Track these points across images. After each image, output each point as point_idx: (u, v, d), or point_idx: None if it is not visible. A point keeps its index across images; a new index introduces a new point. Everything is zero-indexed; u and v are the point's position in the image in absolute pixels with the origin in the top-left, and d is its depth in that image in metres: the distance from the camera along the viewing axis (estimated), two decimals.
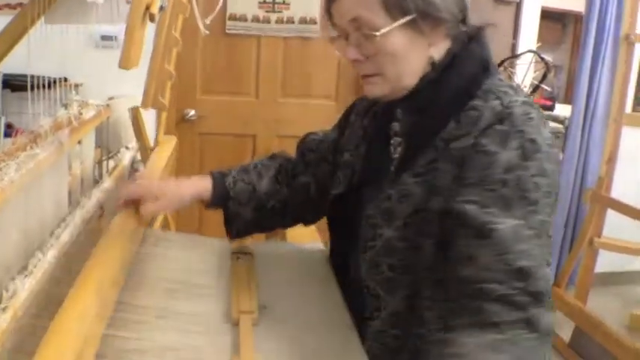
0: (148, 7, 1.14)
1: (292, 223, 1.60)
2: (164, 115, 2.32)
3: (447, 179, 1.10)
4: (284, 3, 3.71)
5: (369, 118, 1.40)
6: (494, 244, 1.01)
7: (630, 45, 3.27)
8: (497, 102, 1.12)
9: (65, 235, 1.20)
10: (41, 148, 1.15)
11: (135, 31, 1.13)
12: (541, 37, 4.53)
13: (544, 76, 4.54)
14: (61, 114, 1.43)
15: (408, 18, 1.13)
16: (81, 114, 1.53)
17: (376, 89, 1.21)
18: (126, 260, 1.16)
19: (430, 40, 1.18)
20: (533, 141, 1.06)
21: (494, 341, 0.97)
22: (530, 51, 4.46)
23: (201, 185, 1.44)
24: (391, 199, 1.18)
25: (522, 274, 1.00)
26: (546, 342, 1.02)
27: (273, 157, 1.58)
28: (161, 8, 1.18)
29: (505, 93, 1.13)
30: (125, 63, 1.13)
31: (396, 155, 1.25)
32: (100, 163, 1.85)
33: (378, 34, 1.13)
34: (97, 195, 1.47)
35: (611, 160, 3.40)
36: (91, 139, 1.61)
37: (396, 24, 1.13)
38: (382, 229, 1.18)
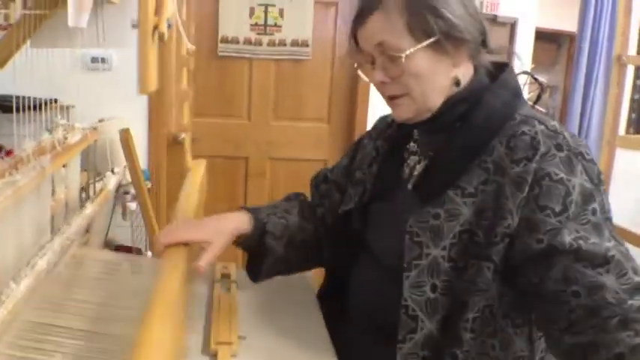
0: (155, 27, 1.13)
1: (314, 263, 1.56)
2: (189, 135, 2.30)
3: (511, 204, 1.12)
4: (276, 25, 3.72)
5: (382, 139, 1.44)
6: (614, 268, 1.06)
7: (622, 66, 3.26)
8: (542, 127, 1.16)
9: (42, 263, 1.17)
10: (21, 174, 1.13)
11: (148, 54, 1.11)
12: (536, 58, 4.54)
13: (538, 97, 4.54)
14: (45, 138, 1.41)
15: (431, 40, 1.17)
16: (66, 138, 1.51)
17: (403, 110, 1.25)
18: (187, 293, 1.14)
19: (454, 61, 1.22)
20: (592, 161, 1.14)
21: None
22: (524, 72, 4.46)
23: (239, 219, 1.40)
24: (439, 217, 1.19)
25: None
26: None
27: (289, 197, 1.58)
28: (169, 26, 1.17)
29: (544, 119, 1.19)
30: (144, 88, 1.12)
31: (415, 173, 1.29)
32: (87, 187, 1.83)
33: (403, 55, 1.17)
34: (77, 222, 1.44)
35: (605, 182, 3.39)
36: (76, 163, 1.59)
37: (420, 46, 1.17)
38: (429, 248, 1.18)
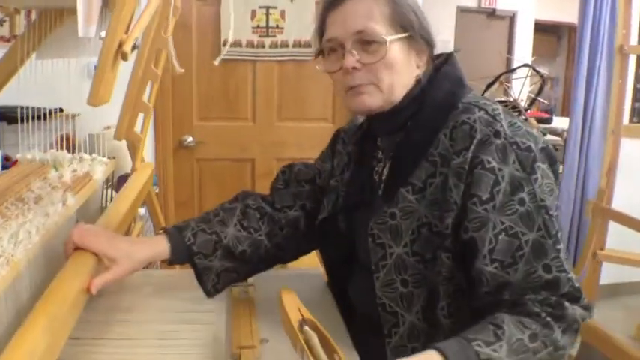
0: (120, 46, 1.14)
1: (268, 265, 1.51)
2: (141, 146, 2.30)
3: (455, 195, 1.15)
4: (277, 27, 3.73)
5: (352, 144, 1.45)
6: (523, 266, 1.10)
7: (624, 56, 3.26)
8: (482, 113, 1.19)
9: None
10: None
11: (105, 70, 1.12)
12: (536, 50, 4.54)
13: (540, 89, 4.53)
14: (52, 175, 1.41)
15: (408, 34, 1.22)
16: (75, 171, 1.51)
17: (369, 99, 1.25)
18: (81, 295, 1.10)
19: (418, 61, 1.27)
20: (528, 149, 1.15)
21: (528, 322, 1.07)
22: (525, 65, 4.45)
23: (156, 246, 1.34)
24: (395, 217, 1.22)
25: (550, 285, 1.11)
26: (571, 330, 1.11)
27: (235, 199, 1.51)
28: (134, 47, 1.18)
29: (485, 104, 1.22)
30: (93, 100, 1.12)
31: (384, 178, 1.31)
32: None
33: (387, 40, 1.19)
34: (58, 210, 1.40)
35: (611, 172, 3.38)
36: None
37: (399, 36, 1.21)
38: (392, 247, 1.22)
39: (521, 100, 4.46)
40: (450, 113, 1.22)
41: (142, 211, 2.79)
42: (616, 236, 3.49)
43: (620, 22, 3.26)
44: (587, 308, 1.14)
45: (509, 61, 5.04)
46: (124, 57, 1.15)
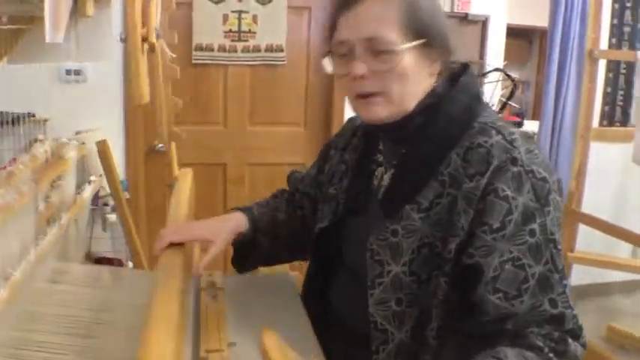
0: (144, 39, 1.13)
1: (292, 257, 1.63)
2: (174, 147, 2.31)
3: (463, 221, 1.12)
4: (250, 32, 3.71)
5: (349, 151, 1.42)
6: (529, 300, 1.08)
7: (594, 61, 3.31)
8: (499, 137, 1.14)
9: (17, 274, 1.15)
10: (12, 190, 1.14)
11: (139, 66, 1.12)
12: (508, 55, 4.56)
13: (512, 94, 4.56)
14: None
15: (422, 41, 1.16)
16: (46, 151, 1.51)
17: (378, 110, 1.20)
18: (184, 296, 1.14)
19: (432, 70, 1.21)
20: (543, 180, 1.11)
21: (530, 356, 1.06)
22: (496, 69, 4.47)
23: (239, 220, 1.45)
24: (397, 234, 1.19)
25: (555, 320, 1.09)
26: None
27: (275, 195, 1.64)
28: (157, 36, 1.17)
29: (502, 127, 1.16)
30: (139, 99, 1.14)
31: (384, 183, 1.28)
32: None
33: (398, 49, 1.13)
34: (52, 231, 1.40)
35: (581, 175, 3.42)
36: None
37: (414, 43, 1.15)
38: (390, 265, 1.19)
39: (493, 105, 4.48)
40: (465, 132, 1.17)
41: (112, 217, 2.77)
42: (586, 238, 3.53)
43: (591, 27, 3.30)
44: (585, 346, 1.13)
45: (481, 66, 5.07)
46: (152, 48, 1.15)
